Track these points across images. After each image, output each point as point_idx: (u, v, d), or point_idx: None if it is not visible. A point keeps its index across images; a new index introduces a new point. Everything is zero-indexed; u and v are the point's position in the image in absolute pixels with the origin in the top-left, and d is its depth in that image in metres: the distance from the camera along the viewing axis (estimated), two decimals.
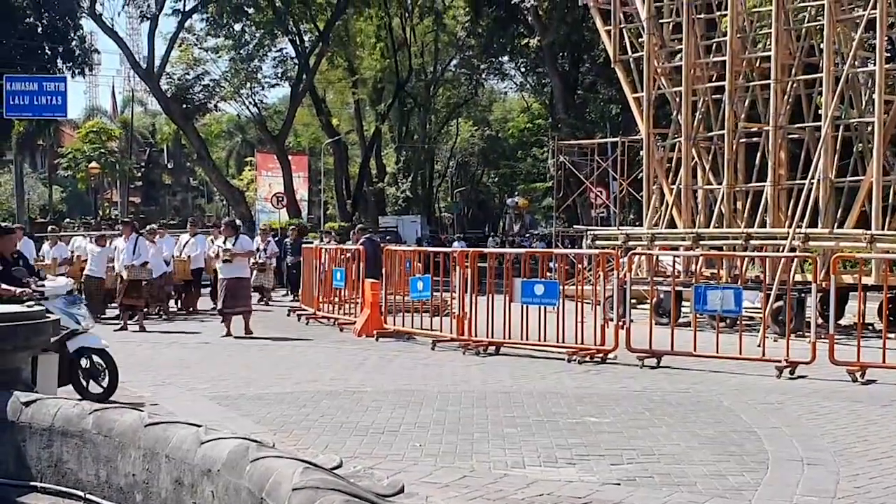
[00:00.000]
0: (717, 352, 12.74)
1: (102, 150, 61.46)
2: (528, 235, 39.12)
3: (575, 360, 13.25)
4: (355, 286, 18.19)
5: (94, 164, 50.08)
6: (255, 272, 22.39)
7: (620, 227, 24.08)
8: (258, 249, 22.80)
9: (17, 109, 34.53)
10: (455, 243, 28.80)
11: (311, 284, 20.27)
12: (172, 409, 9.53)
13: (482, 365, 13.15)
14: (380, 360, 13.74)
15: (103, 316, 18.94)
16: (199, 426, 4.94)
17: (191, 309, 21.75)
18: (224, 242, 17.15)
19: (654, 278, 16.13)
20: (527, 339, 14.14)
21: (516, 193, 58.22)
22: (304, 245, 22.98)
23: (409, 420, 9.04)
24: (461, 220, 78.08)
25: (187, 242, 21.98)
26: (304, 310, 20.35)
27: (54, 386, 6.80)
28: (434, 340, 15.00)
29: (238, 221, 23.61)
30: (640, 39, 21.93)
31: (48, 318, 6.72)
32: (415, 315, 16.32)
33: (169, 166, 55.02)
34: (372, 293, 16.58)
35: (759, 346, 13.19)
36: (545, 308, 14.04)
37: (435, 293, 16.22)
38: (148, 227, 21.39)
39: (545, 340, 13.97)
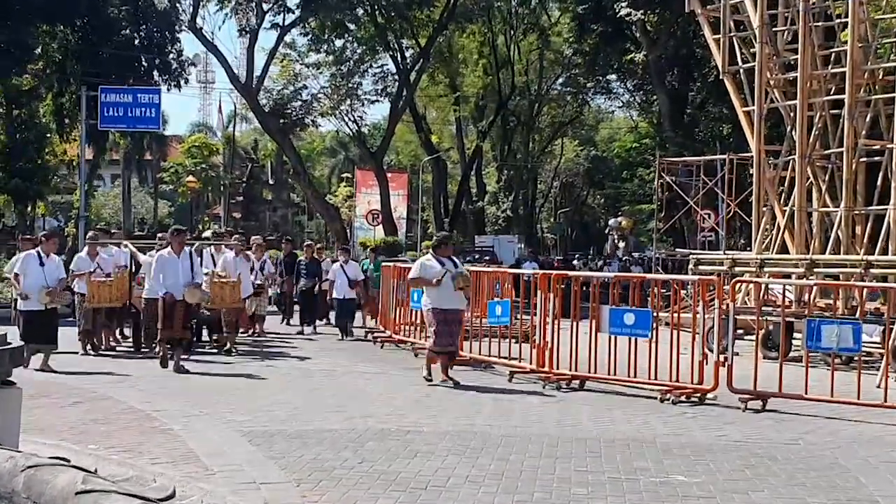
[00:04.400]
0: (832, 395, 11.14)
1: (204, 165, 61.80)
2: (609, 261, 37.27)
3: (669, 400, 11.77)
4: None
5: (191, 178, 50.07)
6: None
7: (727, 252, 22.40)
8: (252, 269, 19.26)
9: (112, 121, 34.36)
10: (525, 264, 26.69)
11: (389, 306, 19.15)
12: (194, 447, 8.45)
13: (561, 402, 11.73)
14: (448, 392, 12.44)
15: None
16: (139, 498, 3.90)
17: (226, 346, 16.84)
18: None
19: (763, 308, 14.55)
20: (615, 373, 12.70)
21: (619, 214, 56.34)
22: (384, 265, 21.70)
23: (460, 472, 7.70)
24: (564, 241, 76.50)
25: (229, 260, 17.98)
26: (381, 332, 19.23)
27: (16, 427, 5.66)
28: (511, 371, 13.64)
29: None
30: (751, 49, 20.32)
31: (10, 345, 5.63)
32: (497, 342, 14.88)
33: (270, 182, 54.83)
34: None
35: (878, 386, 11.58)
36: (636, 340, 12.58)
37: (519, 319, 14.92)
38: (235, 237, 19.80)
39: (635, 376, 12.50)
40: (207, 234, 19.60)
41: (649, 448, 9.00)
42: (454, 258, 13.95)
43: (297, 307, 22.51)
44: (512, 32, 53.29)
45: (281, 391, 12.23)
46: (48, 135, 41.91)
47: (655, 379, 12.23)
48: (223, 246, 19.00)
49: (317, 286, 21.85)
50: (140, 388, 12.35)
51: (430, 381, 13.03)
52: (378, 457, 8.19)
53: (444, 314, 13.09)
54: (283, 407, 10.84)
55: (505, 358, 14.30)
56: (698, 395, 11.88)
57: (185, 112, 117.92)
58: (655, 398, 11.90)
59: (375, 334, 19.22)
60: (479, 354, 14.94)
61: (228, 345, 16.62)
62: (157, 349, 15.04)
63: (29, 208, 42.36)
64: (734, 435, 9.83)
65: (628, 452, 8.75)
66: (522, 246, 49.12)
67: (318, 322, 21.74)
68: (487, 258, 38.14)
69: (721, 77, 21.49)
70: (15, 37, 34.64)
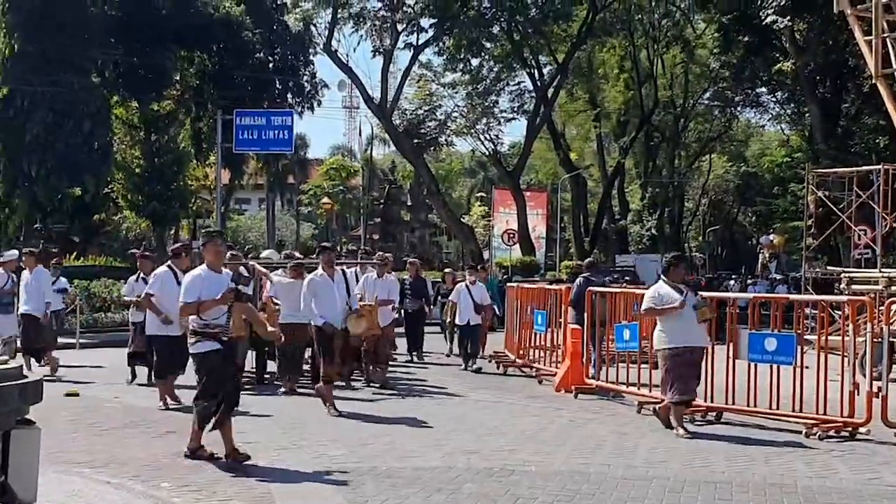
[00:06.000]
0: None
1: (342, 187, 62.33)
2: (756, 281, 35.46)
3: (815, 436, 10.52)
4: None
5: (326, 199, 50.40)
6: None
7: (883, 270, 20.70)
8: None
9: (247, 144, 34.60)
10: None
11: (513, 328, 18.20)
12: (273, 487, 7.74)
13: (693, 438, 10.52)
14: (567, 424, 11.41)
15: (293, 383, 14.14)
16: None
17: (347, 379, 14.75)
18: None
19: None
20: (755, 405, 11.46)
21: (771, 231, 54.13)
22: (509, 285, 20.69)
23: None
24: (714, 260, 74.14)
25: (369, 282, 15.92)
26: (506, 356, 18.28)
27: (33, 471, 4.97)
28: (640, 402, 12.52)
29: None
30: None
31: (24, 379, 4.94)
32: (626, 368, 13.68)
33: (408, 203, 54.76)
34: (573, 341, 14.27)
35: None
36: (779, 367, 11.33)
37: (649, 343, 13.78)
38: (378, 255, 17.48)
39: (778, 408, 11.26)
40: (266, 253, 17.71)
41: (788, 493, 7.90)
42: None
43: None
44: (655, 46, 51.76)
45: (384, 422, 11.32)
46: (191, 160, 42.71)
47: (800, 411, 11.00)
48: (368, 266, 17.10)
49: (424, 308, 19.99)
50: (240, 419, 11.67)
51: (688, 436, 10.58)
52: (473, 502, 7.29)
53: (685, 354, 10.83)
54: (383, 440, 10.02)
55: (634, 386, 13.15)
56: (849, 429, 10.63)
57: (330, 136, 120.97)
58: (800, 433, 10.68)
59: (498, 359, 18.20)
60: (607, 382, 13.86)
61: (379, 379, 14.81)
62: (285, 385, 14.01)
63: (172, 231, 43.07)
64: (887, 477, 8.65)
65: (763, 498, 7.70)
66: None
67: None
68: (628, 278, 36.77)
69: (874, 82, 19.95)
70: (153, 63, 35.41)
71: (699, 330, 11.01)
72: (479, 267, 21.41)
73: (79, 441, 9.76)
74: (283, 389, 13.94)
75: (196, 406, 8.82)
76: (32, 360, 16.12)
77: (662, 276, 11.50)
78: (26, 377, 4.93)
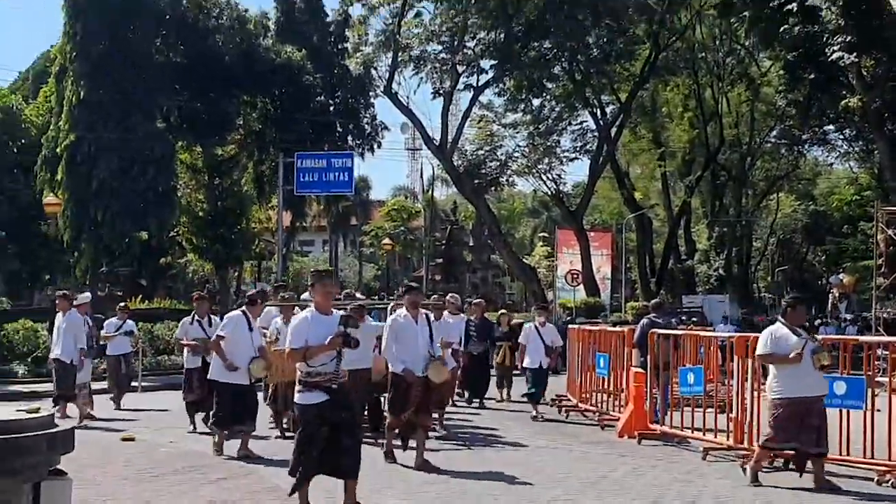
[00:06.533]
0: None
1: (404, 228, 62.62)
2: (826, 321, 34.66)
3: (887, 483, 10.08)
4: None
5: (387, 241, 50.56)
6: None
7: None
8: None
9: (307, 186, 34.86)
10: (720, 326, 24.12)
11: (575, 371, 17.82)
12: None
13: (759, 486, 10.12)
14: (630, 473, 11.03)
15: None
16: None
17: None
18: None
19: None
20: None
21: (840, 271, 53.03)
22: (571, 327, 20.34)
23: None
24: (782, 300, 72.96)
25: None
26: (568, 399, 17.90)
27: None
28: (706, 448, 12.10)
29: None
30: None
31: (55, 428, 4.78)
32: (691, 412, 13.25)
33: (470, 244, 54.53)
34: (636, 385, 13.90)
35: None
36: (849, 411, 10.89)
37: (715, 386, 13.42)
38: (436, 296, 17.29)
39: (848, 454, 10.82)
40: (306, 295, 17.02)
41: None
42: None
43: None
44: (719, 84, 51.21)
45: (439, 471, 10.78)
46: (254, 203, 43.17)
47: (871, 457, 10.56)
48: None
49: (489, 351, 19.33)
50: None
51: (757, 483, 10.30)
52: None
53: (797, 405, 10.15)
54: (436, 489, 9.75)
55: (700, 431, 12.73)
56: None
57: (393, 177, 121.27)
58: (871, 480, 10.26)
59: (560, 403, 17.81)
60: (671, 427, 13.45)
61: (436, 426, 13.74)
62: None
63: (236, 273, 43.39)
64: None
65: None
66: (733, 305, 46.80)
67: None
68: (695, 319, 36.11)
69: None
70: (217, 108, 35.98)
71: (815, 377, 10.22)
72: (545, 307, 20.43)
73: (128, 488, 9.64)
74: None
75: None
76: (117, 400, 17.70)
77: (780, 319, 10.73)
78: (57, 426, 4.76)
